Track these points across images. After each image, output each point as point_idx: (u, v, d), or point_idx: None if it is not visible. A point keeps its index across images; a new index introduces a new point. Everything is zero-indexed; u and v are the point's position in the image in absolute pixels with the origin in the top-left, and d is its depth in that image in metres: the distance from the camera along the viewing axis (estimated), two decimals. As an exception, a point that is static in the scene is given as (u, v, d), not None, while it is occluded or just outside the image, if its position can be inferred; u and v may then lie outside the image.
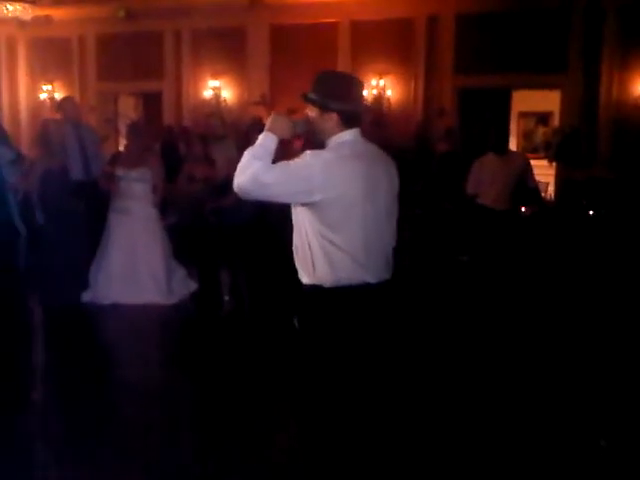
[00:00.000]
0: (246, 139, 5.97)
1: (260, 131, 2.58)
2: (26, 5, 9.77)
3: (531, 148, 10.79)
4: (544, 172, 8.76)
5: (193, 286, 6.47)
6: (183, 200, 6.29)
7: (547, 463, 3.39)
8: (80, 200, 5.95)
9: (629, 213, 7.29)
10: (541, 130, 11.20)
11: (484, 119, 7.30)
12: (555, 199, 8.67)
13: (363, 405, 2.64)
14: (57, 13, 10.93)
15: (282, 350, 4.93)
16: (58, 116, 6.82)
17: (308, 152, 2.49)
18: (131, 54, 10.91)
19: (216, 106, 10.23)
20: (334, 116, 2.54)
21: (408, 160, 6.52)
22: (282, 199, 2.53)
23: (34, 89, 11.72)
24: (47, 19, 10.93)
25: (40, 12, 10.50)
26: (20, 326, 5.37)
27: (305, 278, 2.59)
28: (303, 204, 2.51)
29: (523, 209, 6.72)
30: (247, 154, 2.47)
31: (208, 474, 3.37)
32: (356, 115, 2.59)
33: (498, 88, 9.36)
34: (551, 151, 8.91)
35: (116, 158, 6.65)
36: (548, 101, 10.14)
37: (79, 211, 5.93)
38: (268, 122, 2.54)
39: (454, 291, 6.14)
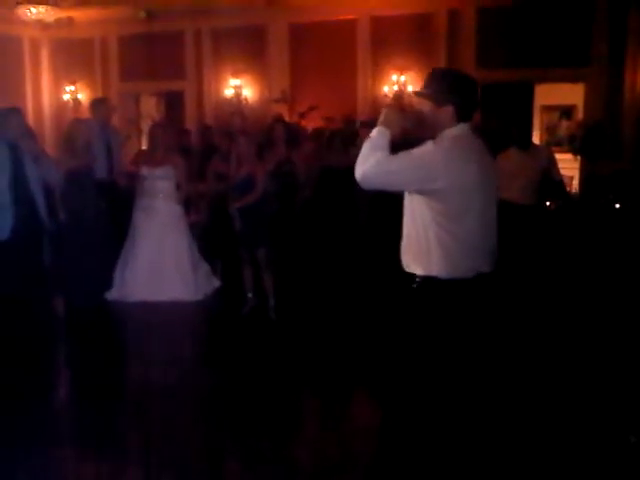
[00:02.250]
0: (269, 136, 5.99)
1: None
2: (48, 7, 9.85)
3: (555, 142, 10.64)
4: (568, 166, 8.64)
5: (216, 283, 6.51)
6: (208, 197, 6.32)
7: (577, 459, 3.36)
8: (103, 199, 6.00)
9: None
10: (565, 124, 11.04)
11: (506, 113, 7.21)
12: (580, 193, 8.55)
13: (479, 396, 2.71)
14: (79, 15, 11.00)
15: (304, 347, 4.94)
16: (85, 116, 6.88)
17: (429, 142, 2.57)
18: (152, 54, 10.94)
19: (237, 104, 10.25)
20: (450, 109, 2.60)
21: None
22: (404, 187, 2.61)
23: (57, 90, 11.83)
24: (69, 21, 10.99)
25: (62, 14, 10.56)
26: (46, 324, 5.43)
27: (419, 269, 2.62)
28: (421, 194, 2.55)
29: (548, 203, 6.63)
30: (366, 145, 2.55)
31: (230, 472, 3.38)
32: (470, 109, 2.66)
33: (520, 82, 9.25)
34: (575, 145, 8.79)
35: (139, 157, 6.69)
36: (572, 94, 9.99)
37: (101, 210, 5.98)
38: (381, 116, 2.62)
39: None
